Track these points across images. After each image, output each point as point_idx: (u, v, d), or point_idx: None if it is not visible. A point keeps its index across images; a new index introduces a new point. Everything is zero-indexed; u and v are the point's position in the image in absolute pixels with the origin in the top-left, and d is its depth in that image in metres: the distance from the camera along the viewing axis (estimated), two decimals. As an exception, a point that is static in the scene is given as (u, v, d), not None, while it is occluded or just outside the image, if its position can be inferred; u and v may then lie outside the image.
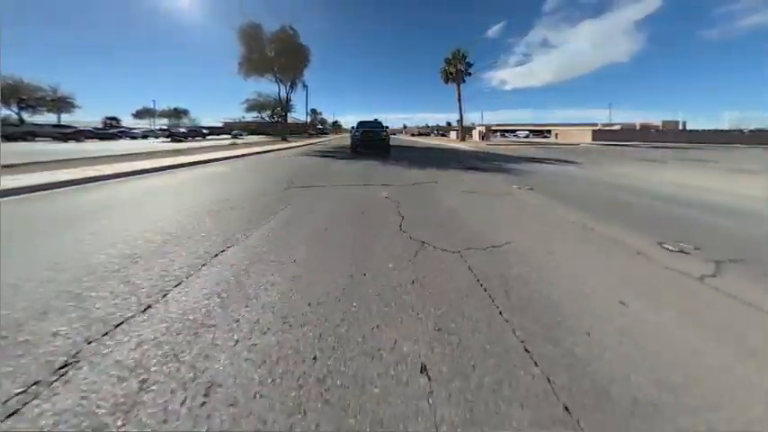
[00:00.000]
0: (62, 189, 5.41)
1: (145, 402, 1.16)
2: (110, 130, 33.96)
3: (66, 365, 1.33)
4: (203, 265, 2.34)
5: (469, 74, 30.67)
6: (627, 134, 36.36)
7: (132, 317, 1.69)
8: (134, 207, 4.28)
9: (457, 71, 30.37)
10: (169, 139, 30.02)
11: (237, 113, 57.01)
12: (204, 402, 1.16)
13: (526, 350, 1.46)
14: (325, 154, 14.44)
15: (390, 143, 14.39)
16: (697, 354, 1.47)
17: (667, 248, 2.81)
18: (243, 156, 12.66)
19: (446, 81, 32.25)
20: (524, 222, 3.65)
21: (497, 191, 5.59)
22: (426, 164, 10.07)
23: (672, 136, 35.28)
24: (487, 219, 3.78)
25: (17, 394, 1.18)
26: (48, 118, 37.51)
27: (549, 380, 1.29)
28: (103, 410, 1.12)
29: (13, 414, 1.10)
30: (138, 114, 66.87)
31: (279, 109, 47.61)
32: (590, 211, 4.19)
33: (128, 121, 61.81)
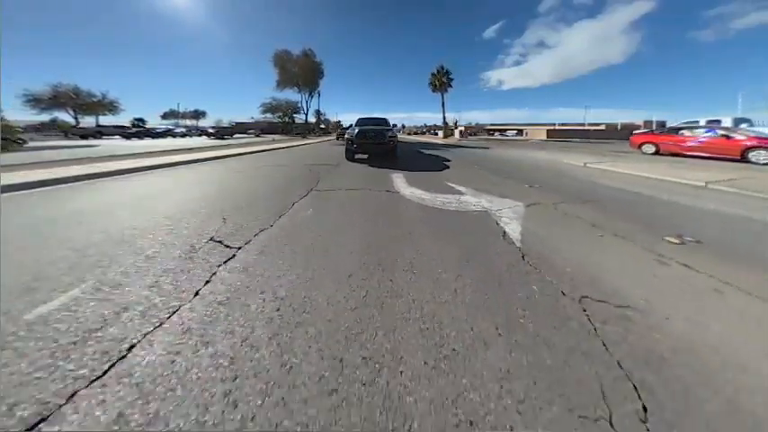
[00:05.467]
0: (243, 156, 10.41)
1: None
2: (157, 129, 38.34)
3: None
4: (341, 162, 7.46)
5: (451, 86, 36.01)
6: (570, 132, 41.82)
7: (329, 172, 6.79)
8: (307, 152, 9.38)
9: (441, 83, 35.59)
10: (203, 137, 34.56)
11: (246, 114, 61.57)
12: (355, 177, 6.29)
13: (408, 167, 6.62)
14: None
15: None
16: (474, 180, 6.63)
17: (498, 176, 7.97)
18: (299, 145, 18.25)
19: (433, 90, 37.49)
20: (440, 164, 8.79)
21: (434, 160, 10.79)
22: (410, 146, 15.29)
23: (605, 133, 42.53)
24: (424, 162, 8.92)
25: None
26: (85, 120, 41.24)
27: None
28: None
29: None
30: (165, 116, 71.07)
31: (290, 111, 52.28)
32: (476, 163, 9.36)
33: (153, 122, 65.74)
